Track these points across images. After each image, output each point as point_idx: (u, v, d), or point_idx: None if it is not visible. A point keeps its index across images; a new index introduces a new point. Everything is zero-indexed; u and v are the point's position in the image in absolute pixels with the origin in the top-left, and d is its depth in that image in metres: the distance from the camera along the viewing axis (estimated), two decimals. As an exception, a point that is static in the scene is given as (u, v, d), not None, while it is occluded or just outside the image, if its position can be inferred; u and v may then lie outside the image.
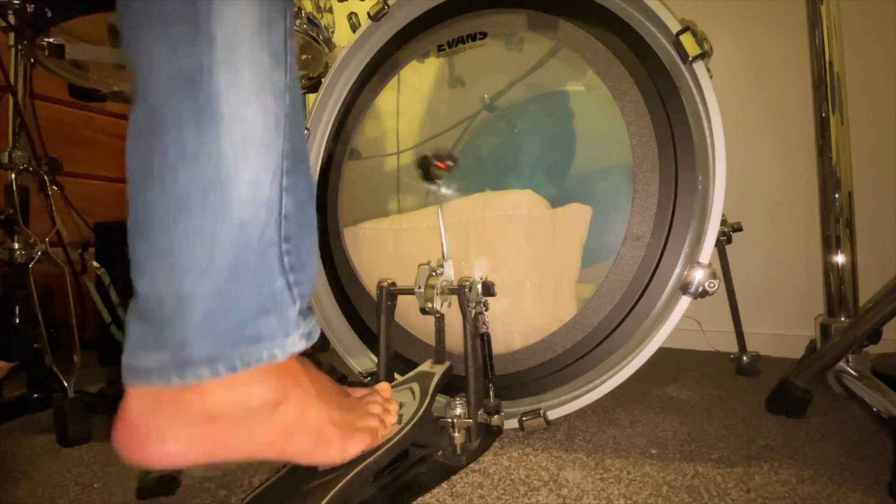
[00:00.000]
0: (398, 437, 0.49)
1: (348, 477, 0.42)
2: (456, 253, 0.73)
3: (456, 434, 0.57)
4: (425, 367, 0.66)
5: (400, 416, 0.52)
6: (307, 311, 0.44)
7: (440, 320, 0.68)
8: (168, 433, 0.38)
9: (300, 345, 0.42)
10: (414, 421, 0.52)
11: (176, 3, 0.37)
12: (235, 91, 0.38)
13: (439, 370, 0.64)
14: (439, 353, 0.68)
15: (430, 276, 0.65)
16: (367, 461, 0.44)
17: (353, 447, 0.44)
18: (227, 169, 0.37)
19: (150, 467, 0.38)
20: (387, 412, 0.51)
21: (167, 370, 0.37)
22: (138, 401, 0.38)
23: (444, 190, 0.83)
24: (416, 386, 0.60)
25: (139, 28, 0.38)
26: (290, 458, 0.42)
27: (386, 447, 0.47)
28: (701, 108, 0.61)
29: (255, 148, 0.39)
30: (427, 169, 0.66)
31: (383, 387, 0.56)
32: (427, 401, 0.57)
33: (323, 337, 0.87)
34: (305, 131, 0.90)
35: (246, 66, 0.38)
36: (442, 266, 0.66)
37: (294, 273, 0.42)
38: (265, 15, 0.40)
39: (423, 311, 0.65)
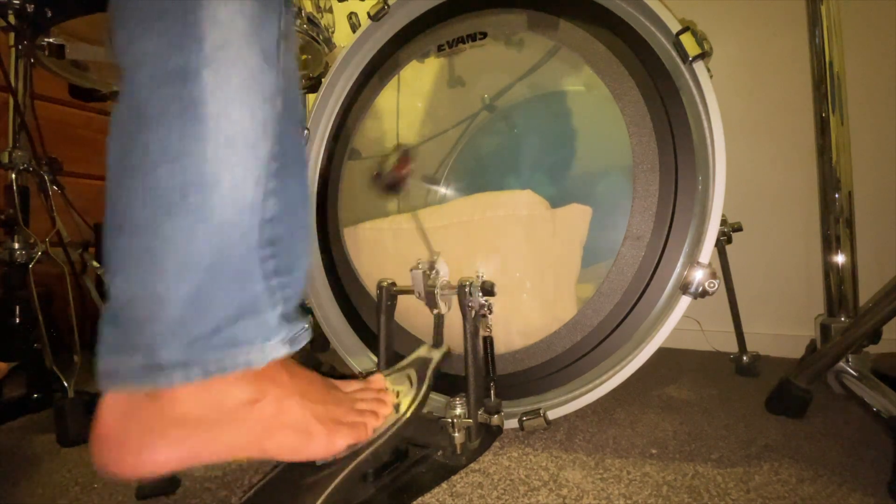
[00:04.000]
0: (395, 427, 0.48)
1: (347, 470, 0.42)
2: (456, 253, 0.73)
3: (456, 434, 0.57)
4: (422, 351, 0.64)
5: (397, 404, 0.51)
6: (293, 315, 0.43)
7: (440, 315, 0.68)
8: (144, 441, 0.37)
9: (281, 350, 0.41)
10: (412, 409, 0.51)
11: (167, 0, 0.36)
12: (222, 92, 0.37)
13: (436, 354, 0.62)
14: (437, 340, 0.67)
15: (426, 276, 0.65)
16: (365, 453, 0.44)
17: (341, 441, 0.44)
18: (209, 170, 0.37)
19: (128, 478, 0.37)
20: (381, 403, 0.50)
21: (140, 374, 0.37)
22: (112, 408, 0.37)
23: (444, 190, 0.83)
24: (413, 372, 0.58)
25: (128, 23, 0.37)
26: (273, 456, 0.42)
27: (384, 438, 0.46)
28: (701, 108, 0.61)
29: (239, 150, 0.38)
30: (389, 185, 0.65)
31: (376, 378, 0.55)
32: (425, 387, 0.55)
33: (323, 337, 0.87)
34: (305, 131, 0.90)
35: (235, 67, 0.38)
36: (433, 266, 0.66)
37: (278, 276, 0.41)
38: (258, 15, 0.39)
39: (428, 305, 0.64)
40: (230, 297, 0.39)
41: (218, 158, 0.37)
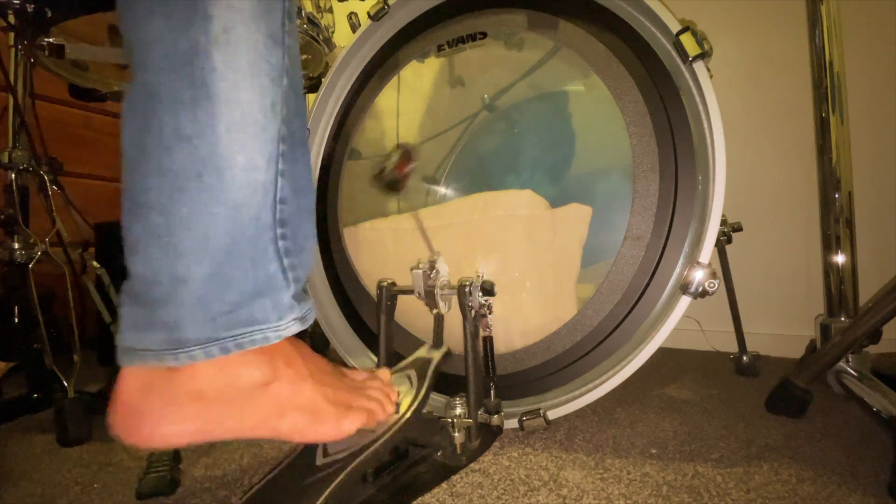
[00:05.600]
0: (396, 427, 0.48)
1: (346, 470, 0.42)
2: (456, 253, 0.73)
3: (456, 434, 0.57)
4: (422, 351, 0.65)
5: (398, 404, 0.51)
6: (302, 295, 0.44)
7: (440, 316, 0.68)
8: (161, 413, 0.38)
9: (294, 328, 0.42)
10: (412, 409, 0.51)
11: None
12: (232, 72, 0.37)
13: (437, 355, 0.63)
14: (437, 340, 0.67)
15: (426, 276, 0.65)
16: (366, 453, 0.44)
17: (349, 424, 0.44)
18: (222, 150, 0.37)
19: (146, 447, 0.39)
20: (386, 399, 0.50)
21: (161, 350, 0.38)
22: (132, 381, 0.39)
23: (443, 189, 0.83)
24: (413, 373, 0.59)
25: (136, 4, 0.37)
26: (284, 436, 0.42)
27: (385, 436, 0.46)
28: (701, 108, 0.61)
29: (250, 130, 0.39)
30: (390, 183, 0.65)
31: (383, 372, 0.55)
32: (424, 389, 0.55)
33: (323, 337, 0.87)
34: (306, 131, 0.90)
35: (243, 48, 0.38)
36: (434, 265, 0.66)
37: (289, 257, 0.42)
38: None
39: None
40: (247, 276, 0.40)
41: (230, 139, 0.38)
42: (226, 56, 0.37)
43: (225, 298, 0.39)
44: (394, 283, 0.69)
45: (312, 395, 0.43)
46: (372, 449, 0.45)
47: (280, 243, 0.41)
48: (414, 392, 0.54)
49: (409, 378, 0.58)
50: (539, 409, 0.63)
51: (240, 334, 0.39)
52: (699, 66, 0.60)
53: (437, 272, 0.66)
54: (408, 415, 0.50)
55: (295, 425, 0.42)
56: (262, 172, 0.39)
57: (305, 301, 0.44)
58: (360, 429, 0.45)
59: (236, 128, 0.38)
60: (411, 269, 0.66)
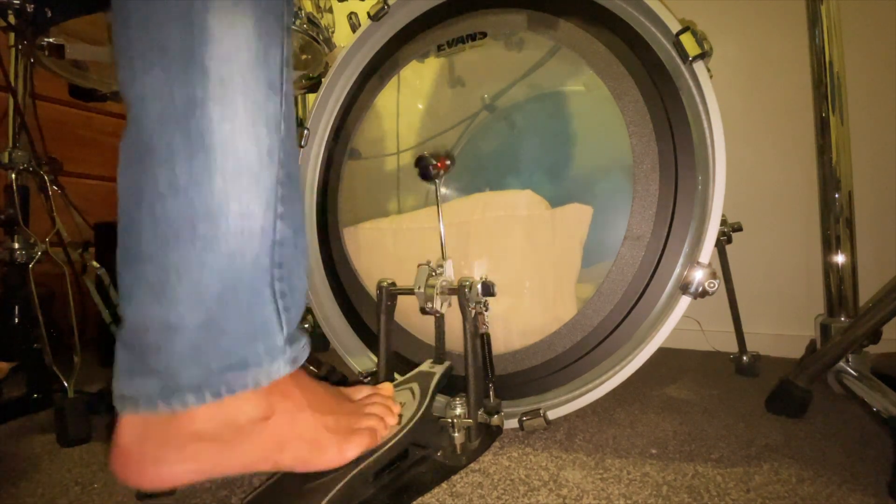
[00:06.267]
0: (398, 437, 0.49)
1: (348, 477, 0.43)
2: (456, 253, 0.73)
3: (456, 434, 0.57)
4: (425, 367, 0.66)
5: (399, 416, 0.52)
6: (295, 335, 0.44)
7: (440, 320, 0.68)
8: (160, 456, 0.38)
9: (285, 370, 0.42)
10: (414, 421, 0.52)
11: (171, 36, 0.37)
12: (228, 124, 0.38)
13: (439, 370, 0.64)
14: (439, 353, 0.68)
15: (429, 275, 0.65)
16: (367, 461, 0.45)
17: (351, 450, 0.44)
18: (217, 200, 0.37)
19: (150, 490, 0.39)
20: (388, 412, 0.51)
21: (154, 397, 0.38)
22: (130, 426, 0.39)
23: (443, 190, 0.83)
24: (415, 386, 0.60)
25: (133, 58, 0.37)
26: (287, 468, 0.42)
27: (385, 447, 0.47)
28: (701, 108, 0.61)
29: (246, 179, 0.39)
30: (425, 168, 0.66)
31: (385, 387, 0.56)
32: (427, 401, 0.57)
33: (323, 337, 0.87)
34: (305, 131, 0.90)
35: (240, 99, 0.38)
36: (442, 266, 0.67)
37: (284, 299, 0.42)
38: (262, 47, 0.39)
39: (423, 311, 0.65)
40: (241, 323, 0.40)
41: (225, 189, 0.38)
42: (223, 107, 0.37)
43: (217, 345, 0.39)
44: (394, 283, 0.69)
45: (312, 425, 0.43)
46: (374, 457, 0.45)
47: (277, 285, 0.42)
48: (416, 404, 0.55)
49: (412, 391, 0.59)
50: (539, 409, 0.63)
51: (232, 379, 0.39)
52: (699, 66, 0.60)
53: (443, 272, 0.66)
54: (408, 427, 0.51)
55: (297, 457, 0.42)
56: (259, 219, 0.39)
57: (297, 342, 0.44)
58: None
59: (231, 177, 0.38)
60: (419, 266, 0.66)
